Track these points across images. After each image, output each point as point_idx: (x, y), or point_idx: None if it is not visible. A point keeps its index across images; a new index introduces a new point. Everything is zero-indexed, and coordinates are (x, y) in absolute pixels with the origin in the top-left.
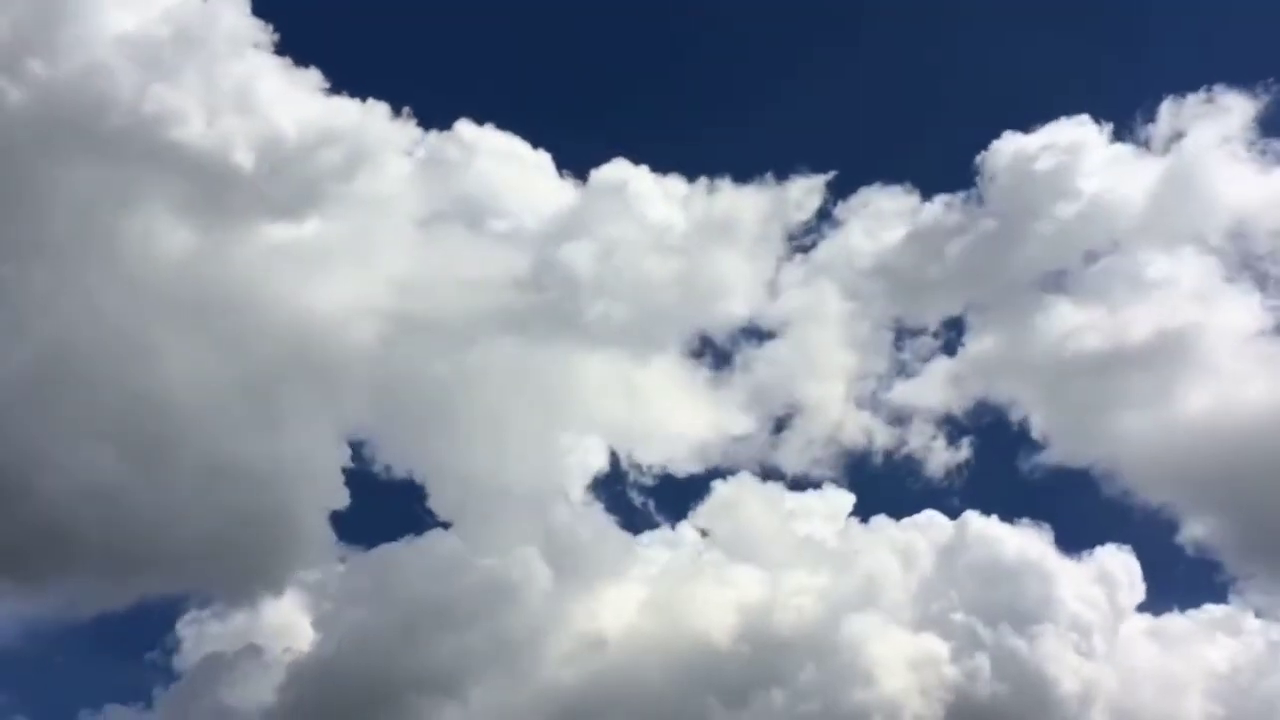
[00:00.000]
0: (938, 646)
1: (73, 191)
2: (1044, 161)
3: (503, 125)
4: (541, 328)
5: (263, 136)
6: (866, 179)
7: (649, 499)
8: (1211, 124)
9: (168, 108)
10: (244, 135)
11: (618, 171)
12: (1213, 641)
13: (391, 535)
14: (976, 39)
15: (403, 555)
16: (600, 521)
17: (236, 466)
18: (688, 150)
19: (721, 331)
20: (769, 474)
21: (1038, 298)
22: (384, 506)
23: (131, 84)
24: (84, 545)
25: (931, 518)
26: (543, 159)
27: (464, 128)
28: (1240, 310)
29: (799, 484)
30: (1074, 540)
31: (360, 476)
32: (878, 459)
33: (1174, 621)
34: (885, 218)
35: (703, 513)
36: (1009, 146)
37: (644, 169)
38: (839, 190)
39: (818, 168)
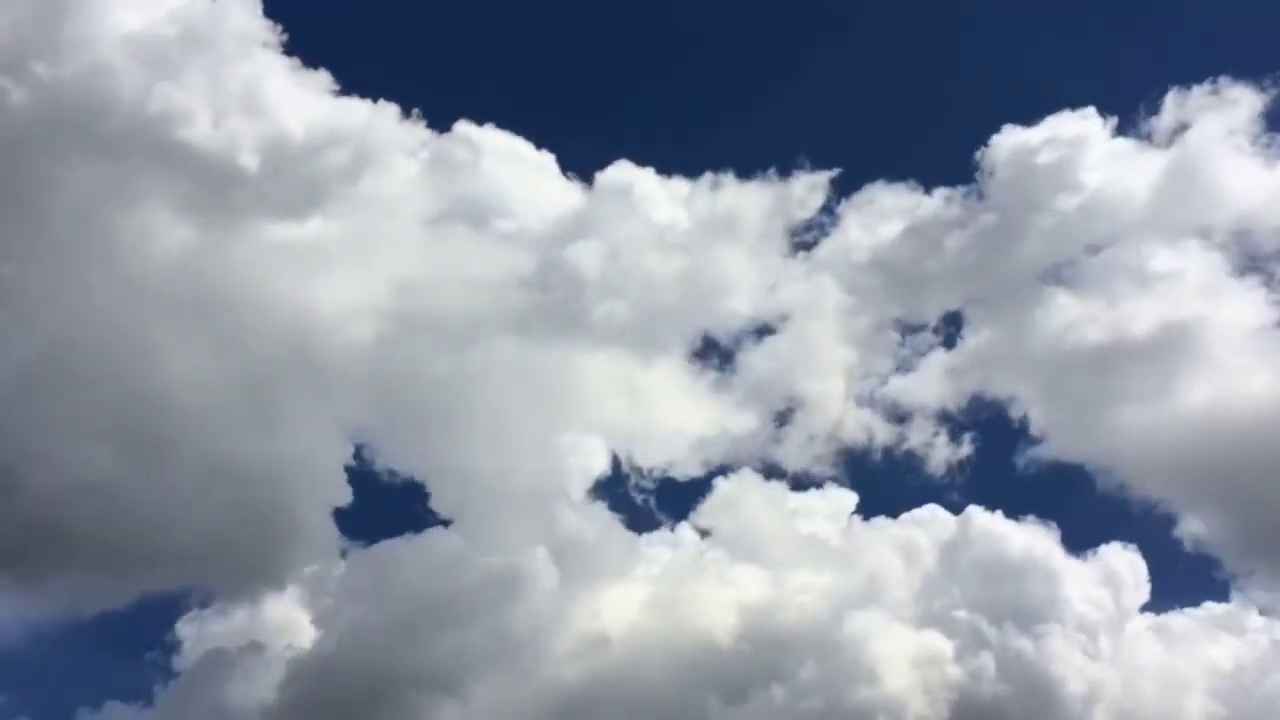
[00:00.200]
0: (941, 644)
1: (76, 191)
2: (1045, 155)
3: (508, 126)
4: (545, 328)
5: (268, 137)
6: (870, 175)
7: (651, 498)
8: (1217, 117)
9: (173, 107)
10: (250, 135)
11: (622, 173)
12: (1216, 640)
13: (392, 534)
14: (978, 32)
15: (404, 552)
16: (604, 520)
17: (238, 464)
18: (691, 148)
19: (724, 329)
20: (770, 471)
21: (1037, 291)
22: (385, 505)
23: (137, 83)
24: (85, 543)
25: (934, 513)
26: (547, 160)
27: (469, 129)
28: (1243, 305)
29: (800, 482)
30: (1079, 539)
31: (362, 476)
32: (878, 456)
33: (1176, 620)
34: (888, 214)
35: (704, 512)
36: (1009, 140)
37: (649, 170)
38: (842, 187)
39: (821, 164)
